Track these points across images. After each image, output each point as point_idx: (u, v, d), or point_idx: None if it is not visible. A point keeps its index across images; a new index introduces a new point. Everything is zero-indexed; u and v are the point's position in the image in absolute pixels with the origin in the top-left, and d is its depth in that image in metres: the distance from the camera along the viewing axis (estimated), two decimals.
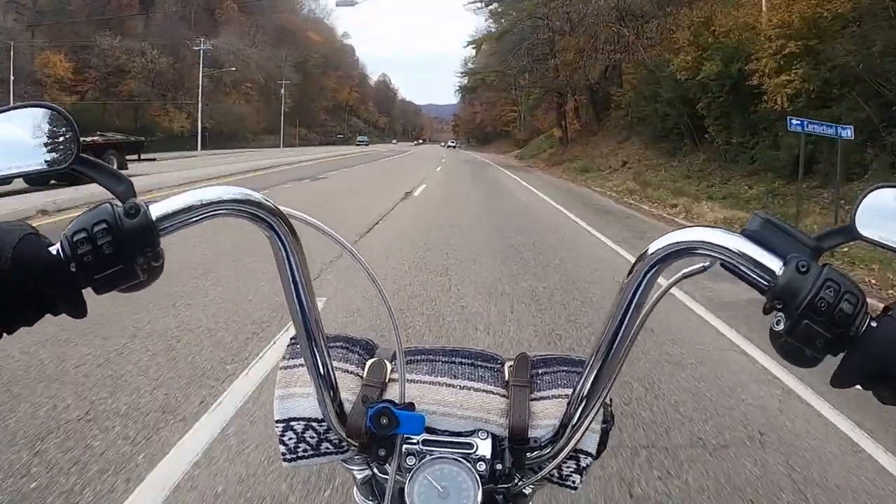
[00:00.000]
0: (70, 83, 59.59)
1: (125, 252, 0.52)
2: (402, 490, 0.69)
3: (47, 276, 0.51)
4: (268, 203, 0.59)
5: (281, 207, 0.61)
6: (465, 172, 28.40)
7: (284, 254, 0.62)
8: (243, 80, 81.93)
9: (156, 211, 0.54)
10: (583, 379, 0.69)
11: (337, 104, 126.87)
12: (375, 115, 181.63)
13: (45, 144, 0.58)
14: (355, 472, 0.79)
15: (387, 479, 0.71)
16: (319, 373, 0.69)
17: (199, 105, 55.46)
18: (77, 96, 60.10)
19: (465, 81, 44.58)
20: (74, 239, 0.51)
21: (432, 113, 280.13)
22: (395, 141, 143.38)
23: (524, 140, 64.90)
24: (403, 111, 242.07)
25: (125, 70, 62.89)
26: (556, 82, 36.34)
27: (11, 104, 0.59)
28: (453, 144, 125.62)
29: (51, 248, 0.52)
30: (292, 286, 0.64)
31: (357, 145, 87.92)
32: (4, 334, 0.52)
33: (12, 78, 48.72)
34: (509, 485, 0.72)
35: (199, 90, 56.14)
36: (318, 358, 0.69)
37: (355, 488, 0.82)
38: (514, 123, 72.73)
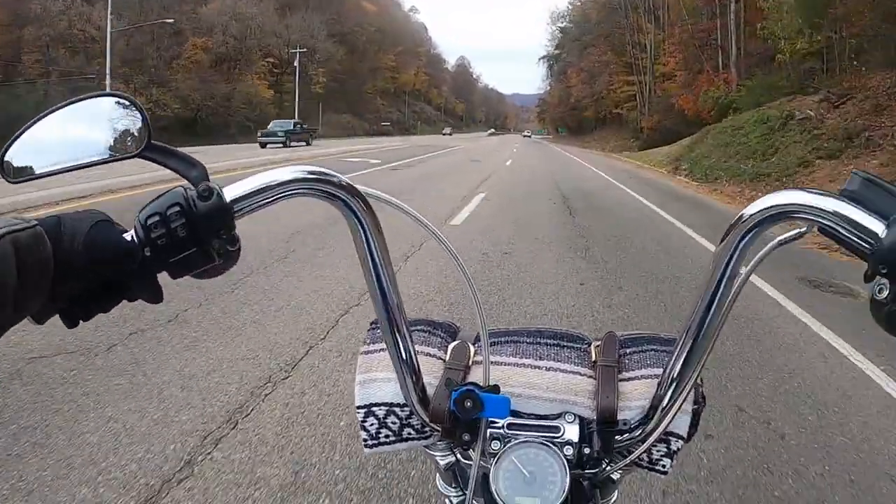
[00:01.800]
0: None
1: (200, 235, 0.51)
2: (486, 476, 0.66)
3: (119, 262, 0.50)
4: (344, 181, 0.57)
5: (358, 186, 0.58)
6: None
7: (363, 234, 0.59)
8: (255, 54, 59.29)
9: (229, 193, 0.53)
10: (673, 358, 0.64)
11: (400, 87, 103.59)
12: (452, 102, 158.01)
13: (116, 132, 0.58)
14: (438, 458, 0.75)
15: (471, 464, 0.67)
16: (402, 357, 0.66)
17: (109, 81, 32.22)
18: None
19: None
20: (148, 223, 0.50)
21: (518, 102, 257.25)
22: (447, 131, 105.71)
23: (651, 129, 38.41)
24: (486, 99, 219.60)
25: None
26: None
27: (90, 94, 0.58)
28: (529, 135, 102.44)
29: (125, 235, 0.51)
30: (372, 268, 0.61)
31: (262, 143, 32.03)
32: (81, 321, 0.52)
33: None
34: (597, 470, 0.67)
35: (107, 61, 32.76)
36: (400, 341, 0.66)
37: (437, 475, 0.79)
38: (630, 103, 46.04)
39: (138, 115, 0.57)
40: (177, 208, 0.50)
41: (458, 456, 0.73)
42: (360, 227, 0.59)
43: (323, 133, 62.17)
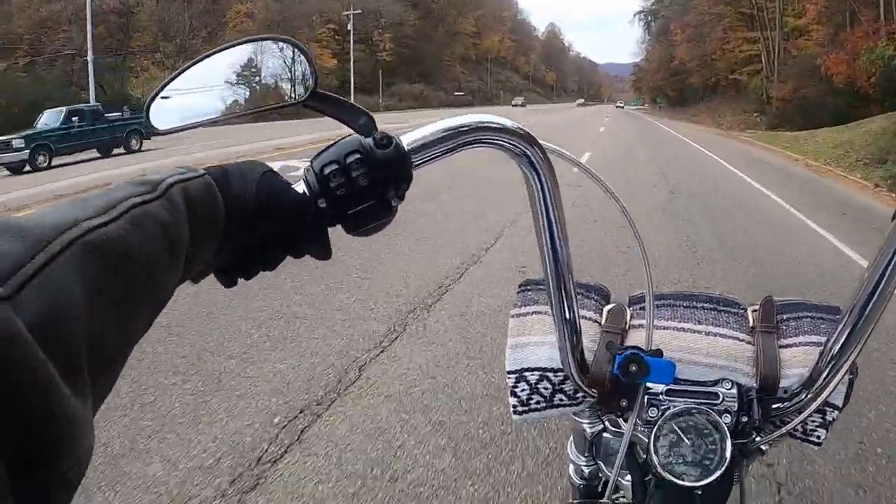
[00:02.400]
0: None
1: (380, 184, 0.48)
2: (633, 444, 0.65)
3: (294, 213, 0.47)
4: (525, 132, 0.55)
5: (539, 139, 0.56)
6: None
7: (540, 188, 0.57)
8: (314, 19, 52.92)
9: (407, 141, 0.51)
10: (840, 328, 0.61)
11: (482, 54, 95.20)
12: (542, 71, 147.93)
13: (283, 78, 0.56)
14: (585, 426, 0.74)
15: (619, 432, 0.67)
16: (566, 318, 0.64)
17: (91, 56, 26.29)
18: None
19: None
20: (325, 172, 0.47)
21: (612, 72, 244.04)
22: (518, 101, 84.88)
23: (784, 100, 28.87)
24: (578, 68, 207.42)
25: None
26: None
27: (248, 37, 0.56)
28: (622, 105, 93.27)
29: (295, 186, 0.49)
30: (545, 223, 0.59)
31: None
32: (242, 279, 0.49)
33: None
34: (747, 440, 0.64)
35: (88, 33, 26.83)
36: (565, 302, 0.63)
37: (571, 442, 0.78)
38: (751, 66, 36.12)
39: (304, 61, 0.54)
40: (357, 156, 0.47)
41: (607, 423, 0.71)
42: (537, 180, 0.56)
43: (389, 104, 55.46)
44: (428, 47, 72.12)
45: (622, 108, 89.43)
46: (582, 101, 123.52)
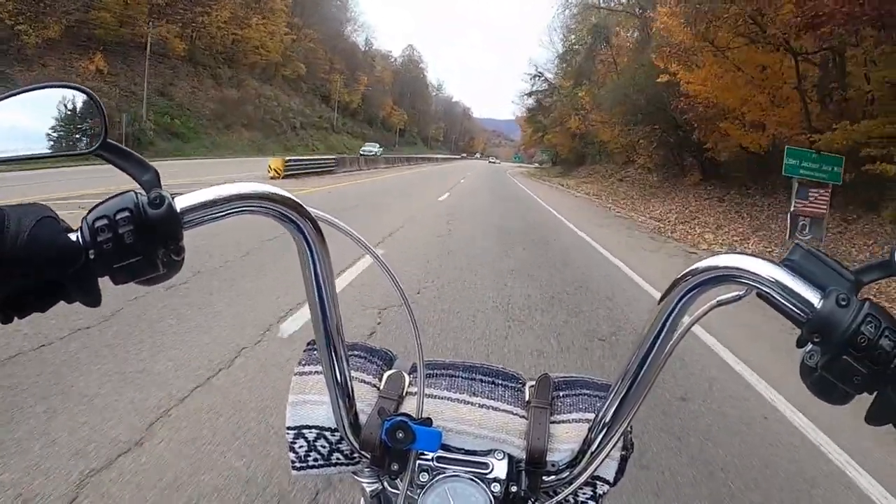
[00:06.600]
0: None
1: (146, 242, 0.48)
2: None
3: (61, 263, 0.47)
4: (296, 202, 0.56)
5: (309, 208, 0.57)
6: None
7: (309, 255, 0.59)
8: None
9: (181, 203, 0.51)
10: (607, 404, 0.65)
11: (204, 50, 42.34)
12: (383, 105, 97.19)
13: (72, 127, 0.55)
14: (365, 485, 0.75)
15: (397, 493, 0.68)
16: (337, 381, 0.66)
17: None
18: None
19: None
20: (95, 225, 0.47)
21: (491, 127, 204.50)
22: None
23: None
24: (447, 112, 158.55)
25: None
26: None
27: (38, 84, 0.54)
28: (496, 161, 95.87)
29: (70, 234, 0.48)
30: (315, 289, 0.61)
31: None
32: (16, 317, 0.49)
33: None
34: None
35: None
36: (336, 365, 0.65)
37: (361, 501, 0.78)
38: None
39: (96, 110, 0.53)
40: (126, 213, 0.47)
41: (386, 485, 0.72)
42: (307, 249, 0.58)
43: None
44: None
45: (496, 163, 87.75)
46: (372, 147, 57.02)
